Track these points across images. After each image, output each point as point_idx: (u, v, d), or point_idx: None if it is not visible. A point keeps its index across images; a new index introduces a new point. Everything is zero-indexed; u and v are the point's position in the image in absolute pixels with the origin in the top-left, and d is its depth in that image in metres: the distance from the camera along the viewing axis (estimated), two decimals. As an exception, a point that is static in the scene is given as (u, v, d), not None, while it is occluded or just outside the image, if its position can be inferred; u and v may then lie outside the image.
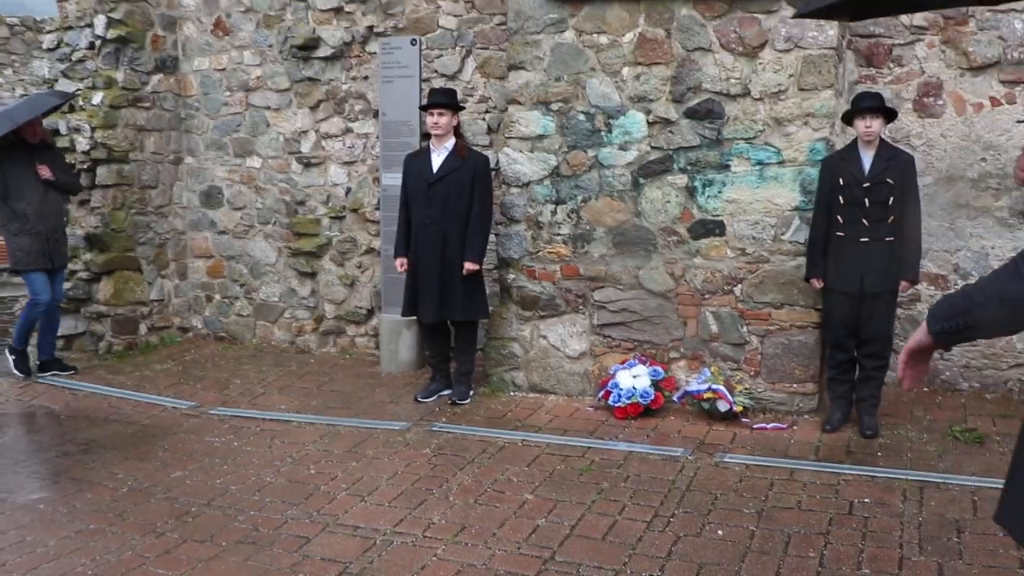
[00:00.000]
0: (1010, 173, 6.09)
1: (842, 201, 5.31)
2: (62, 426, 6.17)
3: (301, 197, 7.83)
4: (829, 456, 5.13)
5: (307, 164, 7.77)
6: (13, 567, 4.05)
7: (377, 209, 7.44)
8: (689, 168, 5.94)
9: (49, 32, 8.17)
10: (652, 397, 5.81)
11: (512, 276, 6.45)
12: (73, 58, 7.78)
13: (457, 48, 7.20)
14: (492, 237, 6.49)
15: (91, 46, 7.70)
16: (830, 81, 5.63)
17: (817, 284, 5.48)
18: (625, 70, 6.03)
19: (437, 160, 6.11)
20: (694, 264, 5.99)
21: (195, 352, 8.04)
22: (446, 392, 6.44)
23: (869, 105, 5.22)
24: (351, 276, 7.74)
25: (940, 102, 6.25)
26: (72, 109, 7.66)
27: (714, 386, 5.70)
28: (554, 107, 6.21)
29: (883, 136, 5.40)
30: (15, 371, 7.11)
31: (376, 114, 7.42)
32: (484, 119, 7.19)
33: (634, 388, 5.83)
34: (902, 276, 5.29)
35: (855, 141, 5.38)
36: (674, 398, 5.93)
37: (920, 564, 3.85)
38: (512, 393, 6.50)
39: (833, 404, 5.60)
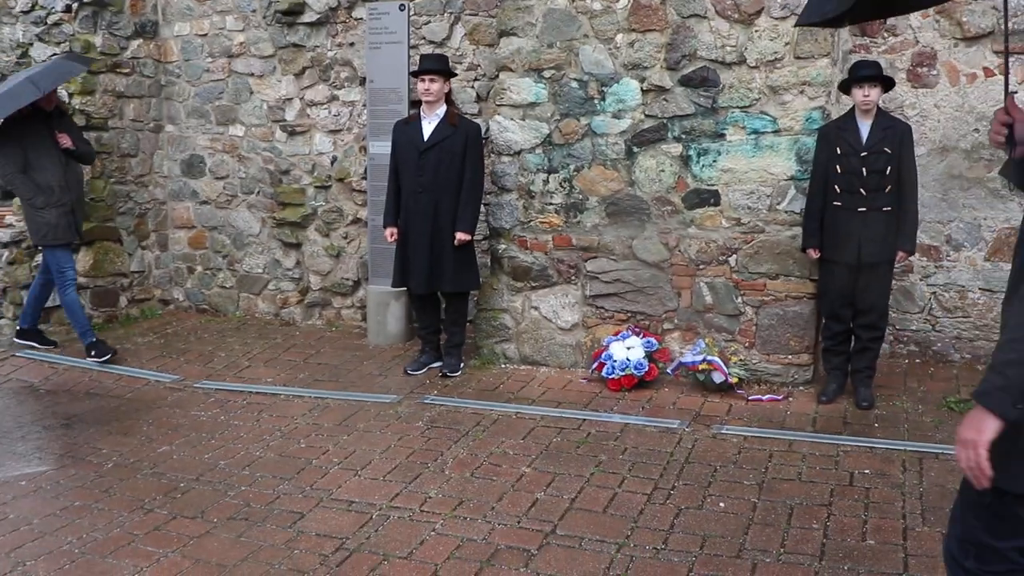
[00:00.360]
0: (1004, 144, 6.04)
1: (839, 171, 5.24)
2: (42, 401, 6.03)
3: (286, 166, 7.67)
4: (826, 427, 5.10)
5: (292, 132, 7.61)
6: (-1, 545, 3.95)
7: (364, 178, 7.30)
8: (684, 137, 5.85)
9: (22, -6, 7.93)
10: (646, 369, 5.76)
11: (503, 246, 6.35)
12: (48, 21, 7.53)
13: (446, 14, 7.04)
14: (482, 207, 6.37)
15: (67, 9, 7.45)
16: (827, 49, 5.54)
17: (814, 254, 5.42)
18: (619, 37, 5.91)
19: (428, 128, 5.98)
20: (688, 234, 5.91)
21: (177, 325, 7.89)
22: (436, 364, 6.35)
23: (868, 73, 5.15)
24: (337, 247, 7.61)
25: (934, 72, 6.18)
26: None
27: (709, 357, 5.64)
28: (546, 74, 6.09)
29: (880, 105, 5.33)
30: (103, 360, 6.66)
31: (363, 81, 7.26)
32: (473, 87, 7.05)
33: (628, 360, 5.77)
34: (899, 246, 5.24)
35: (852, 110, 5.30)
36: (668, 370, 5.87)
37: (924, 534, 3.83)
38: (503, 365, 6.42)
39: (829, 375, 5.57)
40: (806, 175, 5.56)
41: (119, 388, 6.21)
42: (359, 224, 7.49)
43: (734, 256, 5.82)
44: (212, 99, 7.85)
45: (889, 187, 5.17)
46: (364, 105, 7.26)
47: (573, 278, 6.22)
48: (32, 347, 6.95)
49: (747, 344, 5.85)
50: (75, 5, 7.42)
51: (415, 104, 6.89)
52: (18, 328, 7.02)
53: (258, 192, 7.84)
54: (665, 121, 5.88)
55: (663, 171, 5.91)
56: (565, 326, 6.29)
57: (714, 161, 5.79)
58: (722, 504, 4.18)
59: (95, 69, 7.40)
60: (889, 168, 5.16)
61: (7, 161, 6.49)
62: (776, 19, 5.57)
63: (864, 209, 5.18)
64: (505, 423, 5.30)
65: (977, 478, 2.04)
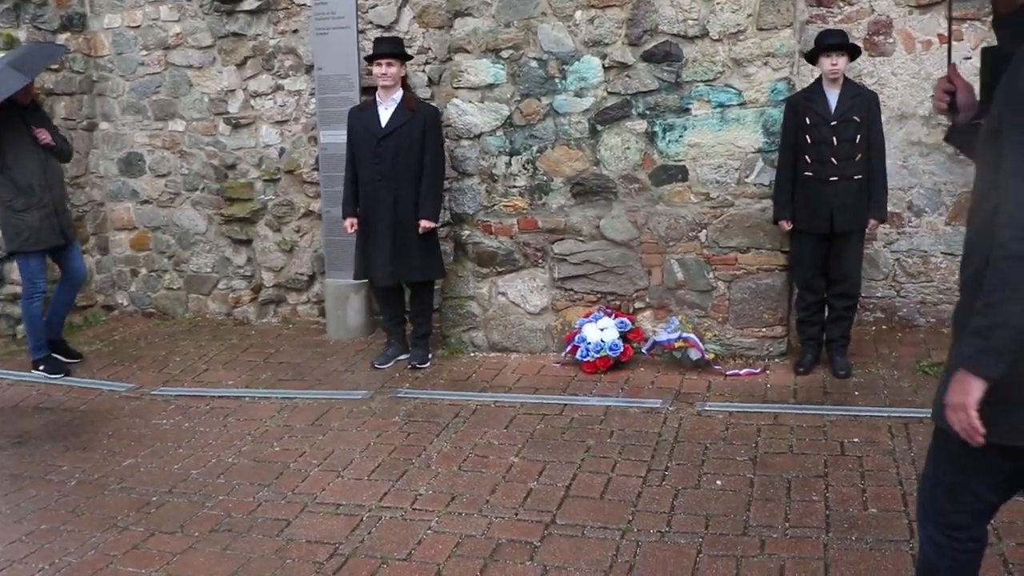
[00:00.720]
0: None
1: (809, 140, 5.21)
2: (-11, 418, 5.71)
3: (231, 160, 7.38)
4: (808, 398, 5.08)
5: (236, 125, 7.32)
6: (-36, 575, 3.69)
7: (315, 170, 7.06)
8: (648, 113, 5.76)
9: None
10: (621, 349, 5.67)
11: (467, 232, 6.19)
12: (-33, 16, 7.12)
13: (393, -4, 6.83)
14: (444, 193, 6.20)
15: (-13, 3, 7.05)
16: (789, 20, 5.50)
17: (786, 226, 5.39)
18: (578, 14, 5.79)
19: (385, 114, 5.79)
20: (657, 211, 5.83)
21: (124, 331, 7.56)
22: (403, 357, 6.18)
23: (835, 42, 5.13)
24: (289, 241, 7.36)
25: (890, 40, 6.19)
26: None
27: (684, 335, 5.58)
28: (504, 54, 5.94)
29: (845, 74, 5.31)
30: (53, 378, 6.28)
31: (308, 69, 7.01)
32: (424, 71, 6.85)
33: (602, 341, 5.68)
34: (871, 214, 5.24)
35: (819, 80, 5.28)
36: (643, 349, 5.80)
37: (926, 502, 3.80)
38: (472, 354, 6.28)
39: (804, 346, 5.55)
40: (773, 147, 5.52)
41: (71, 400, 5.90)
42: (312, 217, 7.25)
43: (704, 231, 5.76)
44: (149, 93, 7.51)
45: (859, 155, 5.15)
46: (311, 94, 7.01)
47: (540, 261, 6.10)
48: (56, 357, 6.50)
49: (720, 319, 5.81)
50: (-4, -2, 7.02)
51: (367, 91, 6.69)
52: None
53: (203, 188, 7.53)
54: (629, 98, 5.78)
55: (628, 149, 5.82)
56: (534, 310, 6.17)
57: (680, 136, 5.72)
58: (719, 482, 4.11)
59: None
60: (859, 136, 5.15)
61: None
62: (736, -10, 5.51)
63: (836, 178, 5.16)
64: (485, 413, 5.16)
65: (972, 437, 2.16)
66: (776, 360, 5.70)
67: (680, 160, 5.74)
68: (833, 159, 5.15)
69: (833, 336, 5.46)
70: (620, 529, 3.74)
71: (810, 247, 5.32)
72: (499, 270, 6.17)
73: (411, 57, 6.23)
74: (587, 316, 5.90)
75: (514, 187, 6.06)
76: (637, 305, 5.97)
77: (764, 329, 5.73)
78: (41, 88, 7.14)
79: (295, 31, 7.05)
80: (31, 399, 5.98)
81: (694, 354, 5.55)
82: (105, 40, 7.51)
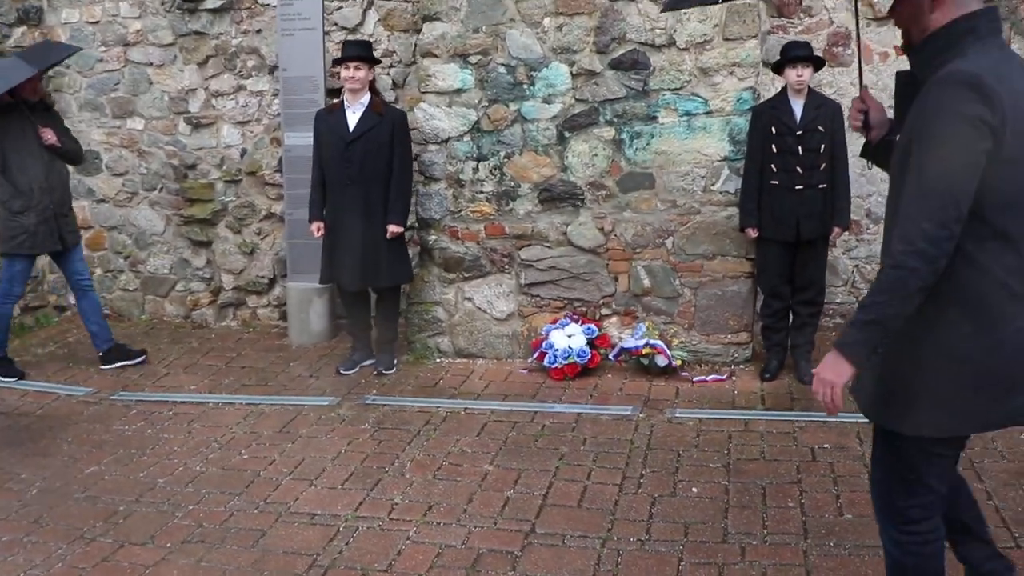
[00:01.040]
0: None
1: (775, 150, 5.29)
2: (-60, 425, 5.54)
3: (191, 160, 7.25)
4: (776, 404, 5.16)
5: (196, 125, 7.19)
6: (-71, 591, 3.58)
7: (278, 171, 6.98)
8: (616, 120, 5.80)
9: None
10: (589, 356, 5.70)
11: (433, 237, 6.18)
12: (-84, 10, 6.91)
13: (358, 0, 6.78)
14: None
15: (-61, -4, 6.84)
16: (755, 31, 5.59)
17: (752, 233, 5.47)
18: (547, 20, 5.80)
19: (353, 117, 5.74)
20: (624, 218, 5.88)
21: (78, 332, 7.35)
22: (368, 362, 6.14)
23: (801, 54, 5.22)
24: (250, 243, 7.26)
25: (849, 51, 6.33)
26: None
27: (652, 341, 5.64)
28: (472, 60, 5.93)
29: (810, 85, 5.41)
30: (4, 380, 6.10)
31: (272, 70, 6.93)
32: (389, 74, 6.82)
33: (570, 348, 5.70)
34: (835, 222, 5.34)
35: (784, 90, 5.37)
36: (610, 355, 5.84)
37: (896, 508, 3.90)
38: (438, 359, 6.26)
39: (769, 352, 5.64)
40: (739, 155, 5.60)
41: (26, 405, 5.75)
42: (273, 219, 7.17)
43: (671, 238, 5.82)
44: (107, 91, 7.34)
45: (824, 164, 5.25)
46: (274, 94, 6.93)
47: (507, 267, 6.11)
48: (123, 365, 6.36)
49: (686, 326, 5.87)
50: (-53, -9, 6.81)
51: (332, 93, 6.64)
52: (100, 355, 6.40)
53: (161, 188, 7.39)
54: (596, 105, 5.81)
55: (596, 155, 5.85)
56: (500, 316, 6.18)
57: (647, 144, 5.77)
58: (694, 489, 4.16)
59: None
60: (823, 146, 5.24)
61: None
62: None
63: (801, 187, 5.25)
64: (455, 420, 5.15)
65: (830, 409, 2.47)
66: (741, 366, 5.78)
67: (647, 167, 5.80)
68: (799, 168, 5.24)
69: (798, 342, 5.56)
70: (600, 538, 3.77)
71: (776, 254, 5.41)
72: (465, 276, 6.17)
73: (380, 61, 6.19)
74: (554, 322, 5.93)
75: (481, 192, 6.06)
76: (603, 311, 6.01)
77: (729, 336, 5.81)
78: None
79: (258, 31, 6.96)
80: (-16, 404, 5.82)
81: (661, 360, 5.61)
82: (62, 35, 7.31)
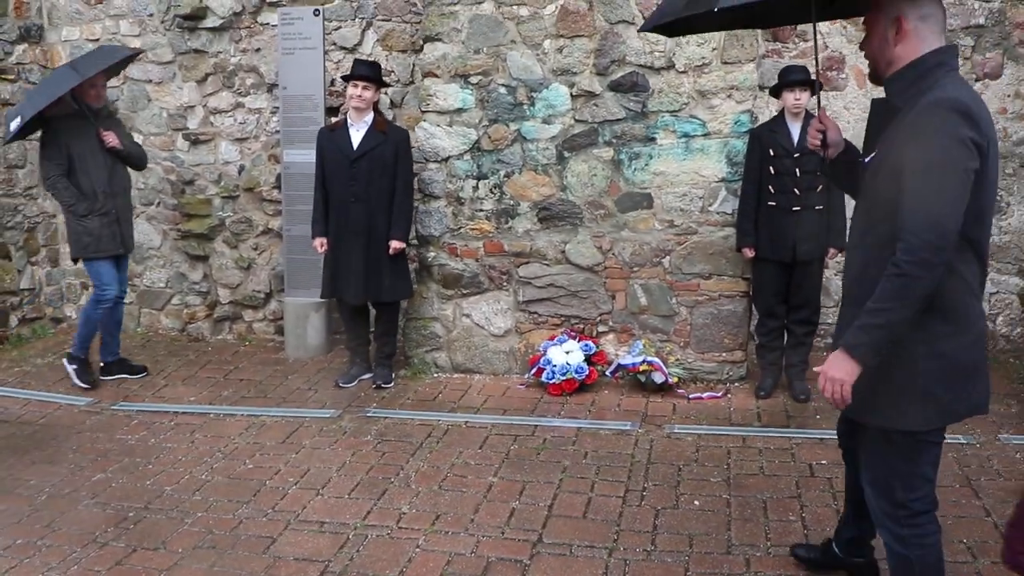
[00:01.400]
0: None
1: (773, 172, 5.42)
2: (-59, 434, 5.53)
3: (189, 176, 7.31)
4: (772, 422, 5.26)
5: (195, 141, 7.25)
6: (-58, 596, 3.60)
7: (275, 188, 7.04)
8: (615, 141, 5.92)
9: None
10: (586, 372, 5.79)
11: (432, 254, 6.26)
12: (-80, 24, 6.93)
13: (357, 20, 6.87)
14: (411, 214, 6.27)
15: (-57, 12, 6.87)
16: (753, 55, 5.73)
17: (749, 253, 5.59)
18: (547, 42, 5.93)
19: (357, 136, 5.82)
20: (622, 237, 5.99)
21: (73, 345, 7.38)
22: (367, 376, 6.19)
23: (799, 78, 5.36)
24: (247, 258, 7.31)
25: (843, 76, 6.50)
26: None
27: (649, 358, 5.73)
28: (473, 80, 6.04)
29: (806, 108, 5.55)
30: (78, 382, 6.18)
31: (270, 88, 7.01)
32: (387, 93, 6.90)
33: (568, 364, 5.79)
34: (831, 243, 5.47)
35: (781, 113, 5.50)
36: (607, 372, 5.92)
37: (894, 520, 3.99)
38: (435, 374, 6.32)
39: (764, 371, 5.75)
40: (736, 177, 5.73)
41: (29, 414, 5.76)
42: (270, 235, 7.22)
43: (668, 257, 5.93)
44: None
45: (820, 186, 5.38)
46: (273, 112, 7.01)
47: (505, 284, 6.20)
48: (124, 378, 6.39)
49: (682, 344, 5.98)
50: (-48, 7, 6.85)
51: (331, 111, 6.73)
52: (101, 365, 6.40)
53: (158, 203, 7.44)
54: (596, 126, 5.93)
55: (595, 175, 5.97)
56: (498, 332, 6.25)
57: (646, 165, 5.89)
58: (697, 502, 4.24)
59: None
60: (819, 169, 5.37)
61: (51, 163, 5.89)
62: (702, 26, 5.71)
63: (798, 208, 5.37)
64: (457, 433, 5.22)
65: (838, 404, 2.67)
66: (736, 384, 5.89)
67: (645, 188, 5.91)
68: (796, 190, 5.37)
69: (793, 361, 5.67)
70: (607, 548, 3.83)
71: (772, 274, 5.53)
72: (464, 292, 6.24)
73: (388, 85, 6.29)
74: (551, 339, 6.01)
75: (481, 210, 6.15)
76: (600, 329, 6.11)
77: (724, 354, 5.91)
78: (-4, 99, 7.00)
79: (257, 50, 7.04)
80: (-17, 414, 5.82)
81: (658, 377, 5.70)
82: (63, 52, 7.37)
